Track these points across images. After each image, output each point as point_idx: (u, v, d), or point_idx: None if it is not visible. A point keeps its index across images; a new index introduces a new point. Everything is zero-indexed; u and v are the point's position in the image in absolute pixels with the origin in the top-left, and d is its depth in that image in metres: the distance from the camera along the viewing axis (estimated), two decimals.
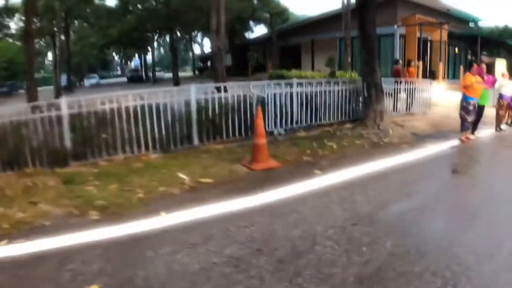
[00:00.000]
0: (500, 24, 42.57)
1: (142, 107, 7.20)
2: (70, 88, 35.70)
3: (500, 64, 19.85)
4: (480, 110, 9.00)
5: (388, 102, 11.62)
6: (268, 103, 8.67)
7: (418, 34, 21.17)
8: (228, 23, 34.31)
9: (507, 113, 10.43)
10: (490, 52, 28.96)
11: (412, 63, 12.62)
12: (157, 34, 44.84)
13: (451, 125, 9.82)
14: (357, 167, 6.39)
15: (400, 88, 11.76)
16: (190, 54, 60.04)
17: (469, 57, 28.12)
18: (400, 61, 13.00)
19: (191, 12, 29.43)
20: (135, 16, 34.10)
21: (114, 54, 68.23)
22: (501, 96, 10.16)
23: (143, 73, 50.20)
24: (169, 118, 7.50)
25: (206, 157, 7.07)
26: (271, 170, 6.51)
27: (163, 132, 7.38)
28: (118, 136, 6.90)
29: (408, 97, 11.85)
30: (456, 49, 25.95)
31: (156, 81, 40.65)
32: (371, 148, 7.84)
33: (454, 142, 8.40)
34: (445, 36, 23.03)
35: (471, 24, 31.15)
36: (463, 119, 8.45)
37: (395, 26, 21.38)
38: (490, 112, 10.17)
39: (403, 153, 7.26)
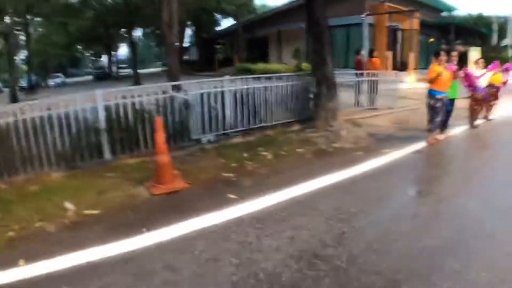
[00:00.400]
0: (474, 12, 41.58)
1: (42, 118, 5.90)
2: (32, 89, 33.20)
3: (474, 53, 18.70)
4: (449, 104, 7.52)
5: (349, 97, 10.14)
6: (193, 106, 7.09)
7: (387, 23, 19.83)
8: (193, 16, 32.57)
9: (482, 107, 8.98)
10: (464, 41, 27.92)
11: (375, 53, 11.06)
12: (125, 30, 42.47)
13: (418, 121, 8.36)
14: (286, 189, 4.77)
15: (362, 81, 10.26)
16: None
17: (443, 46, 26.99)
18: (362, 51, 11.42)
19: (150, 6, 27.39)
20: (93, 11, 31.80)
21: (83, 51, 65.28)
22: (475, 89, 8.70)
23: (114, 70, 47.90)
24: (74, 130, 6.13)
25: (111, 176, 5.55)
26: (175, 193, 4.93)
27: (68, 146, 6.07)
28: (18, 153, 5.72)
29: (371, 91, 10.36)
30: (432, 39, 24.69)
31: (120, 78, 38.51)
32: (314, 158, 6.23)
33: (420, 144, 6.88)
34: (416, 25, 21.76)
35: (444, 13, 30.04)
36: (431, 118, 6.96)
37: (363, 15, 19.93)
38: (462, 103, 8.71)
39: (353, 164, 5.66)
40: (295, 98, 8.33)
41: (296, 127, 8.02)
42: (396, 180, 5.09)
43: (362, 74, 10.27)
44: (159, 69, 53.94)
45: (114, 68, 48.99)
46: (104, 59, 65.03)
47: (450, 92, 7.36)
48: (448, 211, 4.03)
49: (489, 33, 31.77)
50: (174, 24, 17.41)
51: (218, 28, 39.50)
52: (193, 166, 5.89)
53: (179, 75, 17.27)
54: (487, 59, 10.27)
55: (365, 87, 10.41)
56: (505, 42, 33.52)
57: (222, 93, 7.39)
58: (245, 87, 7.71)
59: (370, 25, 20.36)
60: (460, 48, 25.18)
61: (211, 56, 34.96)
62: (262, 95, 7.85)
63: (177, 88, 7.75)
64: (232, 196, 4.68)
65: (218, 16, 37.05)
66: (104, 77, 44.15)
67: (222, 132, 7.49)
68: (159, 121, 5.33)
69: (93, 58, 72.30)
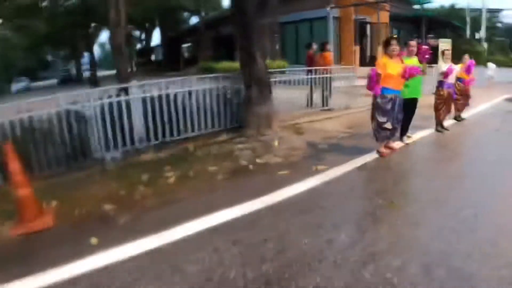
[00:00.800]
0: (446, 4, 40.74)
1: None
2: None
3: (445, 46, 17.54)
4: (410, 105, 6.12)
5: (302, 97, 8.72)
6: (93, 119, 5.65)
7: (354, 16, 18.59)
8: (157, 15, 30.87)
9: (450, 106, 7.63)
10: (437, 34, 26.95)
11: (328, 47, 9.61)
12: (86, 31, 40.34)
13: None
14: (160, 231, 3.35)
15: (314, 79, 8.84)
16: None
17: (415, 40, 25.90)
18: (314, 45, 9.97)
19: (105, 6, 25.64)
20: (46, 12, 29.66)
21: (53, 54, 62.64)
22: (440, 84, 7.33)
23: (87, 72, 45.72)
24: None
25: None
26: (37, 234, 3.66)
27: None
28: None
29: (324, 89, 8.95)
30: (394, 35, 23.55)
31: (85, 81, 36.47)
32: (226, 180, 4.75)
33: (370, 156, 5.49)
34: (385, 18, 20.63)
35: (417, 6, 29.00)
36: (378, 124, 5.49)
37: (328, 8, 18.61)
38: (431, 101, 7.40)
39: (268, 190, 4.19)
40: (225, 103, 6.86)
41: (224, 137, 6.57)
42: (315, 218, 3.57)
43: (314, 71, 8.85)
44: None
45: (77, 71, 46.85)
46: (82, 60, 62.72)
47: (412, 90, 5.98)
48: (373, 283, 2.57)
49: (463, 26, 30.94)
50: (121, 23, 16.01)
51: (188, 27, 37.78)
52: (76, 194, 4.52)
53: (130, 77, 15.81)
54: (460, 52, 8.93)
55: (318, 85, 9.04)
56: (479, 35, 32.82)
57: (129, 102, 5.95)
58: (159, 93, 6.25)
59: (336, 18, 19.09)
60: (433, 42, 24.15)
61: (177, 56, 33.24)
62: (182, 102, 6.39)
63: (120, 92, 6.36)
64: (94, 240, 3.30)
65: (185, 14, 35.38)
66: (68, 80, 42.33)
67: (132, 147, 6.03)
68: (8, 148, 3.93)
69: (64, 60, 69.84)
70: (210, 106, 6.69)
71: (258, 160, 5.34)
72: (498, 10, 41.03)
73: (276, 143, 5.85)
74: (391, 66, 5.29)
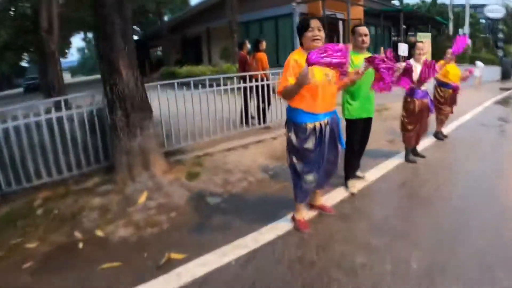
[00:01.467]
0: None
1: None
2: None
3: (424, 41, 15.72)
4: (360, 130, 4.07)
5: (232, 111, 6.63)
6: None
7: (322, 12, 16.75)
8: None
9: (427, 124, 5.38)
10: (417, 31, 25.26)
11: (262, 45, 7.42)
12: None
13: None
14: None
15: (250, 87, 6.88)
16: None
17: (394, 38, 24.29)
18: (248, 45, 7.85)
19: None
20: None
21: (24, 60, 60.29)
22: (411, 94, 5.07)
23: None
24: None
25: None
26: None
27: None
28: None
29: (260, 101, 6.98)
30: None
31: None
32: (28, 273, 2.78)
33: (277, 227, 3.34)
34: (359, 14, 18.84)
35: (396, 2, 27.31)
36: (295, 171, 3.19)
37: (293, 4, 16.75)
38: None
39: None
40: (96, 133, 4.88)
41: (94, 181, 4.59)
42: None
43: (247, 77, 6.86)
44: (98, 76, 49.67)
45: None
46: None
47: (362, 105, 3.93)
48: None
49: (445, 22, 29.27)
50: (54, 30, 14.04)
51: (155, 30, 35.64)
52: None
53: (64, 88, 13.81)
54: (443, 50, 7.01)
55: (253, 95, 7.09)
56: (463, 31, 31.17)
57: None
58: None
59: (303, 15, 17.24)
60: (413, 39, 22.38)
61: (144, 60, 31.09)
62: (29, 136, 4.42)
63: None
64: None
65: (151, 17, 33.23)
66: (35, 88, 39.97)
67: None
68: None
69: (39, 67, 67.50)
70: (74, 138, 4.73)
71: (98, 232, 3.37)
72: (481, 6, 39.51)
73: (142, 197, 3.89)
74: (313, 70, 2.79)
